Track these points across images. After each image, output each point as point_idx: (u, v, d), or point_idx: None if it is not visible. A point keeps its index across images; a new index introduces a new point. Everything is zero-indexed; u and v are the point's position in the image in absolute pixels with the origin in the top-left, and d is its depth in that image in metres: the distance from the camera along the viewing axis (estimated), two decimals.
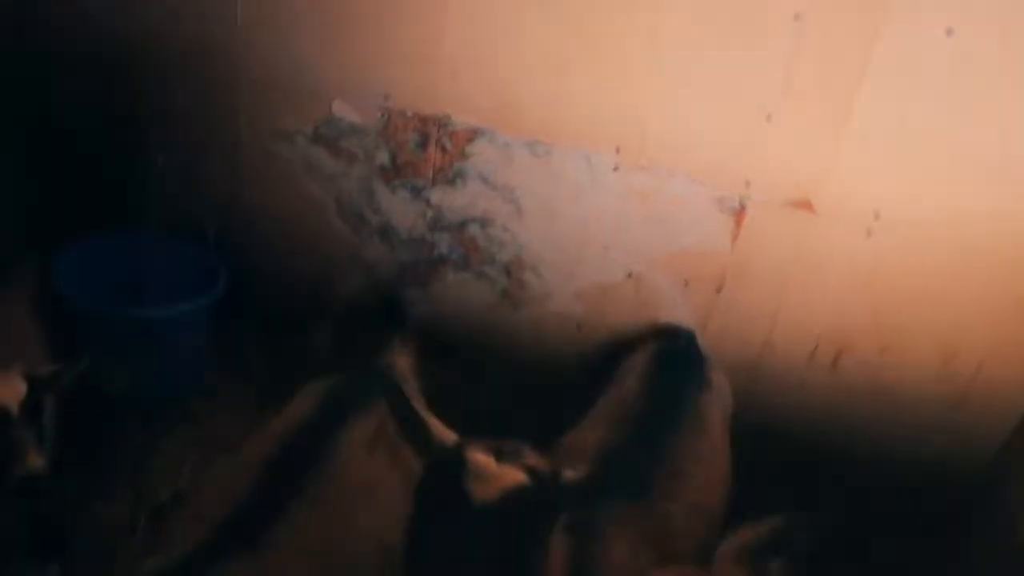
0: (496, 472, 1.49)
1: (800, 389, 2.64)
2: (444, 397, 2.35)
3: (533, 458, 1.57)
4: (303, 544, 1.72)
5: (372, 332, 2.71)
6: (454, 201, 2.63)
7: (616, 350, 2.62)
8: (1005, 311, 2.34)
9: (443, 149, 2.54)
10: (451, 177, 2.59)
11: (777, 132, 2.23)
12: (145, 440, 3.12)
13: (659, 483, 2.13)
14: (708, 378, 2.41)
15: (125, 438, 3.08)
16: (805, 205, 2.31)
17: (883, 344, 2.50)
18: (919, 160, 2.19)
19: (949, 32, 2.01)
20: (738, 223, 2.38)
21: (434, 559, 1.43)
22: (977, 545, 2.65)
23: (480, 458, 1.52)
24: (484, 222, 2.64)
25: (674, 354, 2.43)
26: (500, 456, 1.54)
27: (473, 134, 2.48)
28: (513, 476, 1.50)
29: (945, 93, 2.10)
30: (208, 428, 3.26)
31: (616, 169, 2.41)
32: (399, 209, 2.71)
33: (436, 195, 2.64)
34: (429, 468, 1.57)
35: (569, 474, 1.59)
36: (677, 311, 2.60)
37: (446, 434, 1.63)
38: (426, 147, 2.56)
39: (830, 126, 2.19)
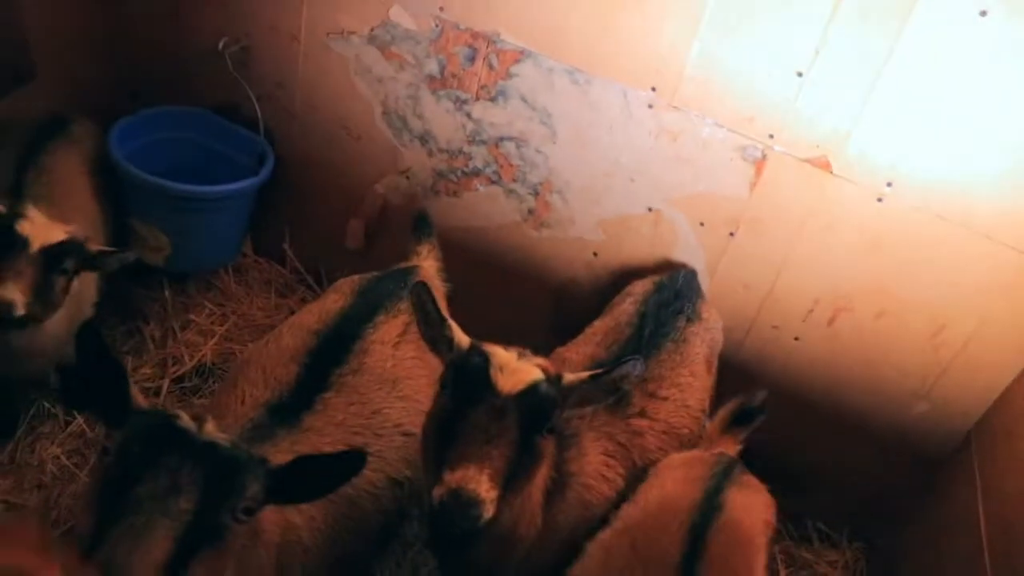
0: (517, 367, 1.66)
1: (795, 342, 2.76)
2: (463, 303, 2.52)
3: (540, 360, 1.74)
4: (337, 426, 1.94)
5: (400, 233, 2.87)
6: (494, 118, 2.75)
7: (627, 281, 2.76)
8: (995, 294, 2.44)
9: (490, 66, 2.66)
10: (494, 94, 2.71)
11: (805, 89, 2.31)
12: (177, 310, 3.32)
13: (636, 401, 2.28)
14: (700, 312, 2.54)
15: (159, 306, 3.28)
16: (823, 163, 2.40)
17: (879, 309, 2.61)
18: (938, 135, 2.27)
19: (983, 13, 2.08)
20: (758, 173, 2.48)
21: (465, 439, 1.57)
22: (940, 510, 2.79)
23: (502, 353, 1.69)
24: (519, 142, 2.76)
25: (673, 286, 2.56)
26: (519, 355, 1.71)
27: (520, 55, 2.59)
28: (531, 372, 1.66)
29: (972, 73, 2.17)
30: (235, 306, 3.45)
31: (650, 107, 2.51)
32: (441, 119, 2.84)
33: (478, 109, 2.76)
34: (458, 360, 1.71)
35: (571, 377, 1.74)
36: (690, 250, 2.72)
37: (462, 336, 1.79)
38: (474, 62, 2.68)
39: (856, 90, 2.27)
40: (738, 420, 2.35)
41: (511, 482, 1.58)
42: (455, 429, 1.58)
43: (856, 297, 2.62)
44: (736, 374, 2.84)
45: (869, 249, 2.51)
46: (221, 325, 3.30)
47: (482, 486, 1.49)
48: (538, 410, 1.63)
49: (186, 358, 3.13)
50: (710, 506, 1.97)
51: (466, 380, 1.64)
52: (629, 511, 2.04)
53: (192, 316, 3.28)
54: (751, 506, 2.09)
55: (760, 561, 2.00)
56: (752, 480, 2.18)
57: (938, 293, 2.51)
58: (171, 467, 1.28)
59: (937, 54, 2.17)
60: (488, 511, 1.50)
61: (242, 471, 1.35)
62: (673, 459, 2.23)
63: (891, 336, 2.65)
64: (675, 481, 2.10)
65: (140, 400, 1.40)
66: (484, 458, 1.52)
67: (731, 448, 2.30)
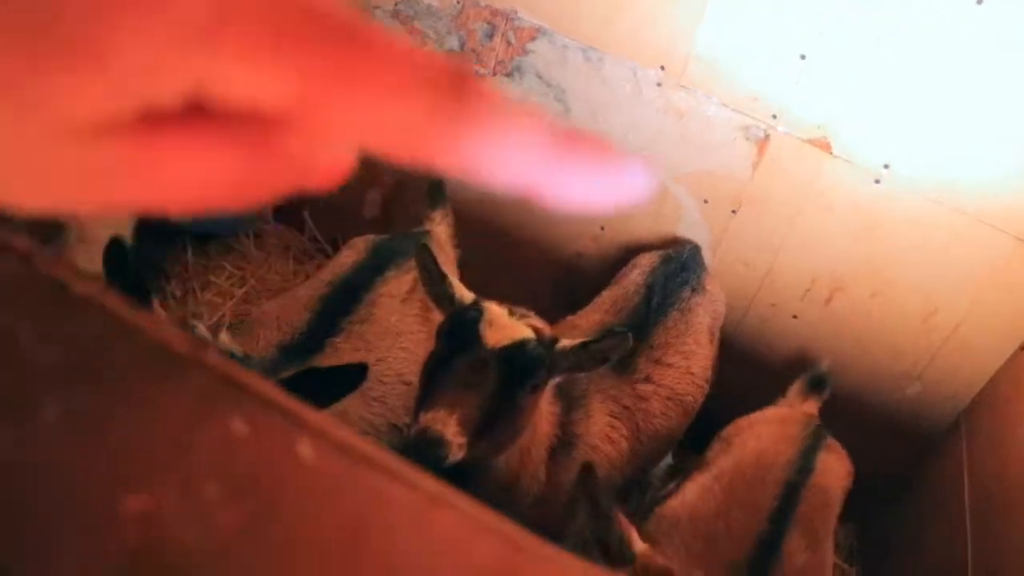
0: (507, 324, 1.76)
1: (793, 320, 2.86)
2: (474, 273, 2.63)
3: (539, 323, 1.84)
4: None
5: (416, 203, 2.99)
6: (510, 93, 2.86)
7: (632, 255, 2.87)
8: (986, 278, 2.53)
9: (508, 42, 2.77)
10: (510, 70, 2.82)
11: (808, 71, 2.41)
12: (198, 271, 3.46)
13: (642, 367, 2.40)
14: (703, 284, 2.65)
15: (180, 266, 3.42)
16: (823, 144, 2.50)
17: (874, 290, 2.71)
18: (934, 120, 2.36)
19: (979, 1, 2.17)
20: (760, 152, 2.58)
21: (444, 385, 1.67)
22: (929, 491, 2.88)
23: (496, 309, 1.79)
24: None
25: (679, 259, 2.67)
26: (512, 313, 1.81)
27: (536, 32, 2.70)
28: (521, 330, 1.76)
29: (969, 58, 2.26)
30: (254, 269, 3.59)
31: (659, 85, 2.61)
32: None
33: (495, 85, 2.87)
34: (452, 313, 1.82)
35: (565, 342, 1.85)
36: (694, 227, 2.82)
37: (464, 292, 1.89)
38: (492, 38, 2.79)
39: (858, 72, 2.37)
40: (813, 387, 2.56)
41: (486, 431, 1.67)
42: (438, 377, 1.69)
43: (852, 278, 2.72)
44: (736, 351, 2.94)
45: (865, 230, 2.60)
46: (240, 287, 3.43)
47: (449, 429, 1.59)
48: (521, 366, 1.72)
49: (205, 318, 3.26)
50: (804, 466, 2.13)
51: (456, 331, 1.75)
52: (725, 458, 2.18)
53: (212, 278, 3.41)
54: (836, 471, 2.26)
55: (834, 524, 2.16)
56: (837, 446, 2.36)
57: (931, 276, 2.60)
58: None
59: (935, 39, 2.26)
60: (454, 453, 1.60)
61: None
62: (767, 414, 2.40)
63: (885, 318, 2.74)
64: (771, 436, 2.25)
65: (160, 311, 1.53)
66: (456, 404, 1.62)
67: (812, 409, 2.53)
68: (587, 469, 1.73)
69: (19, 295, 0.37)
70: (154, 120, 0.29)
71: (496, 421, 1.70)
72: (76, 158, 0.29)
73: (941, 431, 2.88)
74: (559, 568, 0.35)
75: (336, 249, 3.64)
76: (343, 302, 2.19)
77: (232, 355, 1.51)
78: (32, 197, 0.30)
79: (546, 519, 2.08)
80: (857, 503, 3.17)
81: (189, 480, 0.32)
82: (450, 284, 1.87)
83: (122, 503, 0.31)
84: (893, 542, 2.97)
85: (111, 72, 0.27)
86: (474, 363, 1.69)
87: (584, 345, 1.82)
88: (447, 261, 2.59)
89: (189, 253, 3.40)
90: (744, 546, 1.89)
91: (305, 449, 0.34)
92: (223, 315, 3.29)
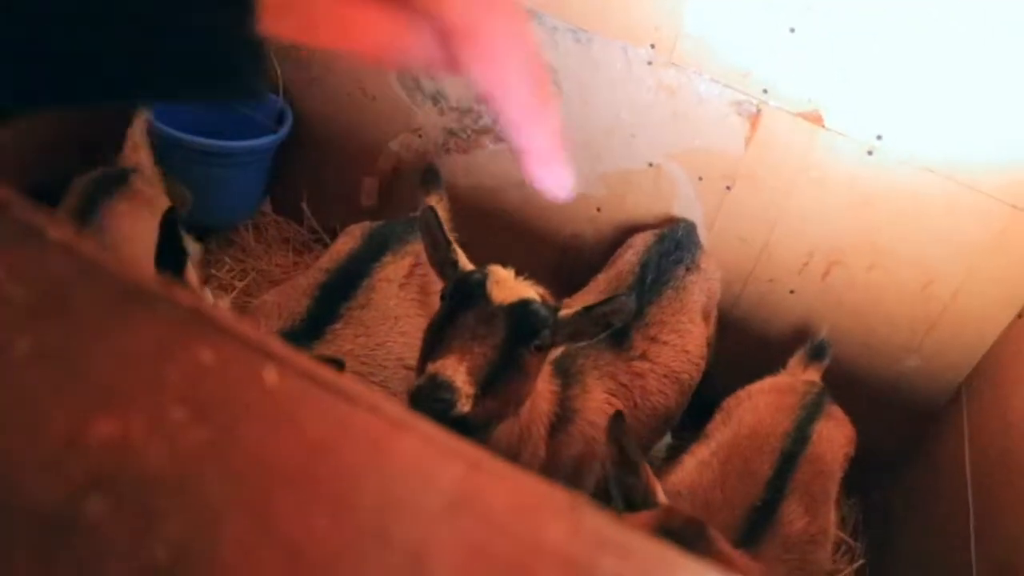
0: (514, 283, 1.77)
1: (791, 295, 2.87)
2: (470, 257, 2.64)
3: (543, 292, 1.86)
4: (345, 354, 2.08)
5: (412, 191, 3.00)
6: None
7: (629, 235, 2.87)
8: (982, 246, 2.54)
9: None
10: None
11: (798, 44, 2.41)
12: (191, 275, 3.47)
13: (638, 344, 2.41)
14: (697, 262, 2.66)
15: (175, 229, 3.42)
16: (815, 117, 2.50)
17: (871, 262, 2.71)
18: (926, 90, 2.37)
19: None
20: (752, 127, 2.59)
21: (452, 337, 1.67)
22: (931, 463, 2.89)
23: (501, 270, 1.80)
24: None
25: (673, 237, 2.67)
26: (518, 275, 1.83)
27: (526, 14, 2.70)
28: (527, 290, 1.78)
29: (960, 29, 2.26)
30: (254, 262, 3.60)
31: (649, 64, 2.62)
32: (452, 78, 2.95)
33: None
34: (459, 277, 1.82)
35: (566, 312, 1.85)
36: (689, 204, 2.83)
37: (466, 261, 1.90)
38: None
39: (847, 44, 2.37)
40: (813, 356, 2.61)
41: (492, 387, 1.67)
42: (445, 332, 1.69)
43: (848, 251, 2.72)
44: (734, 327, 2.95)
45: (860, 202, 2.61)
46: (241, 280, 3.45)
47: (459, 376, 1.58)
48: (527, 324, 1.73)
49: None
50: (800, 436, 2.15)
51: (463, 289, 1.75)
52: (723, 431, 2.20)
53: (212, 270, 3.42)
54: (835, 439, 2.29)
55: (834, 490, 2.19)
56: (838, 412, 2.39)
57: (927, 246, 2.61)
58: None
59: (924, 8, 2.26)
60: (463, 402, 1.59)
61: None
62: (766, 384, 2.41)
63: (882, 290, 2.75)
64: (768, 407, 2.27)
65: (192, 280, 1.60)
66: (465, 352, 1.62)
67: (814, 376, 2.58)
68: (618, 417, 1.74)
69: None
70: None
71: (502, 378, 1.69)
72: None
73: (941, 402, 2.89)
74: (523, 487, 0.36)
75: (335, 239, 3.66)
76: (341, 288, 2.21)
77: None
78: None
79: None
80: (859, 476, 3.19)
81: (156, 405, 0.33)
82: (454, 250, 1.88)
83: (90, 428, 0.32)
84: (896, 514, 2.98)
85: None
86: (482, 316, 1.70)
87: (587, 309, 1.82)
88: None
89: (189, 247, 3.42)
90: (740, 513, 1.90)
91: (270, 375, 0.35)
92: (227, 305, 3.31)
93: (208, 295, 1.61)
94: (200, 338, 0.36)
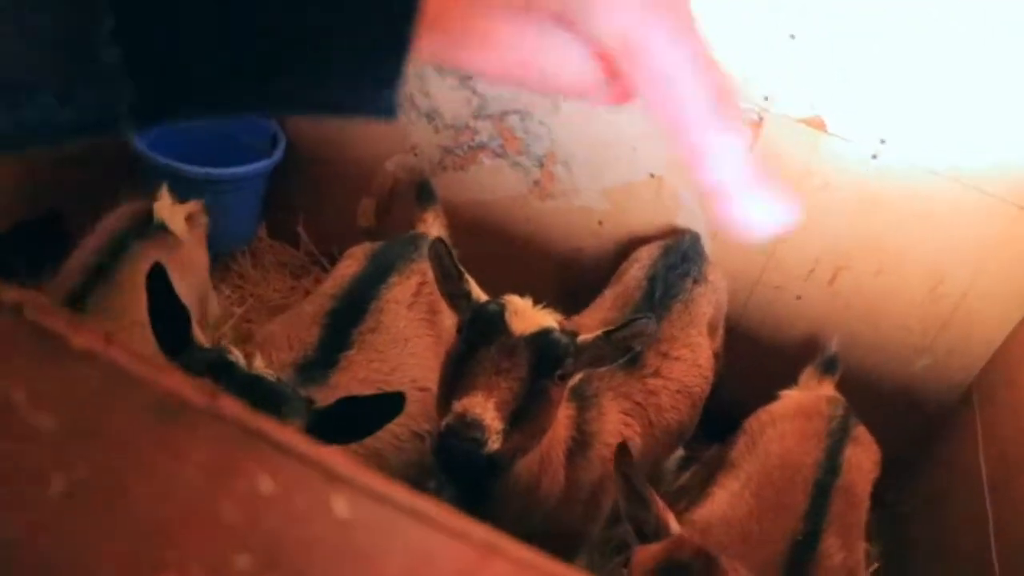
0: (532, 313, 1.73)
1: (798, 301, 2.83)
2: (470, 275, 2.60)
3: (559, 318, 1.81)
4: (361, 383, 2.05)
5: (409, 210, 2.96)
6: (498, 92, 2.83)
7: (632, 248, 2.84)
8: (989, 246, 2.51)
9: None
10: None
11: (798, 50, 2.38)
12: None
13: (650, 361, 2.36)
14: (704, 274, 2.62)
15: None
16: (818, 123, 2.47)
17: (878, 266, 2.68)
18: (929, 92, 2.34)
19: None
20: (755, 135, 2.55)
21: (476, 372, 1.63)
22: (945, 463, 2.86)
23: (518, 300, 1.76)
24: (524, 114, 2.83)
25: (678, 250, 2.63)
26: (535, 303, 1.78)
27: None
28: (546, 318, 1.73)
29: (961, 30, 2.24)
30: (252, 288, 3.55)
31: None
32: (446, 95, 2.92)
33: (482, 84, 2.84)
34: (475, 307, 1.78)
35: (586, 337, 1.81)
36: (692, 215, 2.79)
37: (479, 291, 1.85)
38: None
39: (848, 49, 2.34)
40: (825, 369, 2.58)
41: (519, 421, 1.63)
42: (466, 367, 1.64)
43: (855, 255, 2.69)
44: (743, 335, 2.91)
45: (866, 206, 2.57)
46: (239, 306, 3.40)
47: (488, 413, 1.54)
48: (549, 353, 1.68)
49: (209, 334, 3.22)
50: (831, 466, 2.11)
51: (481, 323, 1.70)
52: (751, 462, 2.15)
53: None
54: (864, 466, 2.26)
55: (864, 518, 2.15)
56: (864, 434, 2.35)
57: (934, 248, 2.58)
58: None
59: (923, 10, 2.24)
60: (493, 440, 1.55)
61: (286, 403, 1.44)
62: (788, 407, 2.37)
63: (891, 292, 2.72)
64: (795, 435, 2.23)
65: (201, 338, 1.51)
66: (492, 388, 1.58)
67: (830, 389, 2.54)
68: (622, 449, 1.70)
69: (11, 353, 0.33)
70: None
71: (528, 411, 1.65)
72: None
73: (953, 402, 2.85)
74: None
75: (333, 262, 3.61)
76: (350, 313, 2.17)
77: (269, 380, 1.48)
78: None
79: (567, 522, 2.06)
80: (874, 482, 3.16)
81: (217, 553, 0.28)
82: (467, 281, 1.83)
83: None
84: (911, 516, 2.94)
85: None
86: (504, 348, 1.66)
87: (607, 335, 1.78)
88: None
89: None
90: (780, 547, 1.86)
91: (340, 504, 0.31)
92: (224, 334, 3.26)
93: (235, 353, 1.53)
94: (255, 461, 0.31)
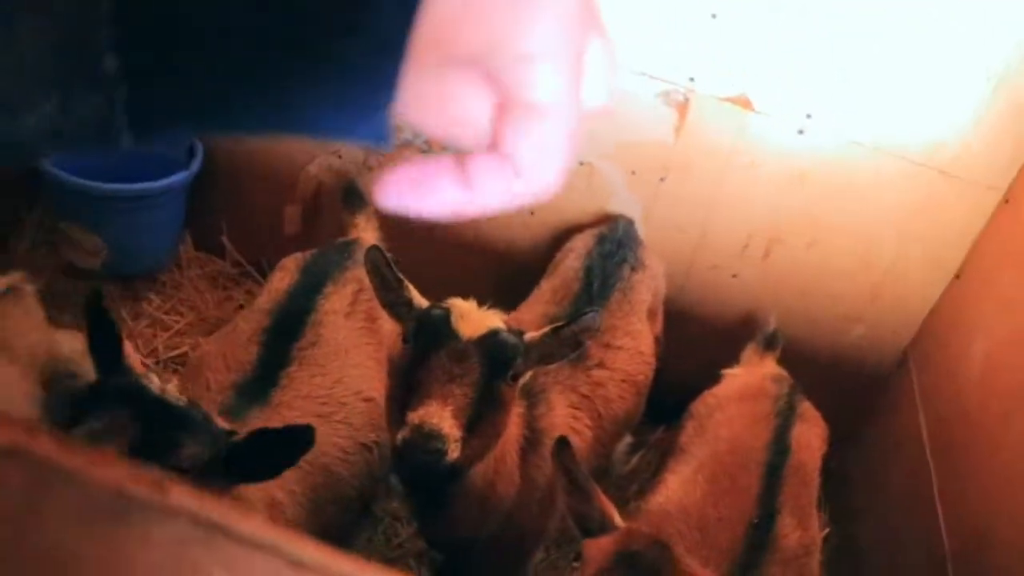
0: (478, 315, 1.69)
1: (734, 279, 2.85)
2: (405, 275, 2.55)
3: (504, 316, 1.78)
4: (305, 399, 2.00)
5: (337, 213, 2.89)
6: None
7: (566, 237, 2.82)
8: (915, 210, 2.56)
9: None
10: None
11: (720, 29, 2.38)
12: (125, 307, 3.29)
13: (594, 353, 2.35)
14: (641, 260, 2.61)
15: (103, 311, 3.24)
16: (744, 102, 2.48)
17: (810, 239, 2.71)
18: (851, 67, 2.37)
19: None
20: (681, 116, 2.55)
21: (429, 381, 1.59)
22: (886, 429, 2.91)
23: (462, 303, 1.71)
24: None
25: (612, 237, 2.62)
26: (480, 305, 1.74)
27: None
28: (492, 319, 1.69)
29: (884, 7, 2.27)
30: (182, 302, 3.44)
31: None
32: None
33: None
34: (420, 314, 1.73)
35: (533, 335, 1.78)
36: (624, 200, 2.78)
37: (420, 298, 1.81)
38: None
39: (770, 27, 2.35)
40: (766, 346, 2.60)
41: (475, 426, 1.60)
42: (418, 376, 1.60)
43: (787, 229, 2.71)
44: (681, 317, 2.92)
45: (794, 181, 2.60)
46: (171, 323, 3.29)
47: (445, 421, 1.51)
48: (499, 355, 1.66)
49: (139, 352, 3.12)
50: (781, 448, 2.12)
51: (428, 330, 1.66)
52: (701, 446, 2.15)
53: (139, 312, 3.26)
54: (812, 443, 2.29)
55: (816, 493, 2.21)
56: (810, 410, 2.40)
57: (863, 218, 2.62)
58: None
59: None
60: (453, 448, 1.52)
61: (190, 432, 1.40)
62: (733, 388, 2.36)
63: (823, 264, 2.75)
64: (743, 418, 2.23)
65: (134, 362, 1.47)
66: (447, 396, 1.55)
67: (772, 365, 2.56)
68: (562, 443, 1.68)
69: None
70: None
71: (484, 416, 1.63)
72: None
73: (891, 368, 2.91)
74: None
75: (261, 271, 3.52)
76: (288, 329, 2.10)
77: (178, 407, 1.43)
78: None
79: (525, 520, 2.03)
80: None
81: None
82: (407, 288, 1.79)
83: None
84: (857, 482, 3.00)
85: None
86: (454, 354, 1.62)
87: (555, 331, 1.75)
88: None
89: (112, 291, 3.24)
90: (737, 531, 1.87)
91: None
92: (156, 348, 3.16)
93: (155, 380, 1.48)
94: (214, 559, 0.27)
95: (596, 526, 1.60)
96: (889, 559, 2.66)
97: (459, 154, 0.48)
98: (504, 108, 0.46)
